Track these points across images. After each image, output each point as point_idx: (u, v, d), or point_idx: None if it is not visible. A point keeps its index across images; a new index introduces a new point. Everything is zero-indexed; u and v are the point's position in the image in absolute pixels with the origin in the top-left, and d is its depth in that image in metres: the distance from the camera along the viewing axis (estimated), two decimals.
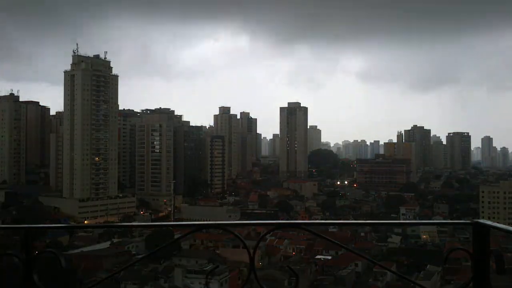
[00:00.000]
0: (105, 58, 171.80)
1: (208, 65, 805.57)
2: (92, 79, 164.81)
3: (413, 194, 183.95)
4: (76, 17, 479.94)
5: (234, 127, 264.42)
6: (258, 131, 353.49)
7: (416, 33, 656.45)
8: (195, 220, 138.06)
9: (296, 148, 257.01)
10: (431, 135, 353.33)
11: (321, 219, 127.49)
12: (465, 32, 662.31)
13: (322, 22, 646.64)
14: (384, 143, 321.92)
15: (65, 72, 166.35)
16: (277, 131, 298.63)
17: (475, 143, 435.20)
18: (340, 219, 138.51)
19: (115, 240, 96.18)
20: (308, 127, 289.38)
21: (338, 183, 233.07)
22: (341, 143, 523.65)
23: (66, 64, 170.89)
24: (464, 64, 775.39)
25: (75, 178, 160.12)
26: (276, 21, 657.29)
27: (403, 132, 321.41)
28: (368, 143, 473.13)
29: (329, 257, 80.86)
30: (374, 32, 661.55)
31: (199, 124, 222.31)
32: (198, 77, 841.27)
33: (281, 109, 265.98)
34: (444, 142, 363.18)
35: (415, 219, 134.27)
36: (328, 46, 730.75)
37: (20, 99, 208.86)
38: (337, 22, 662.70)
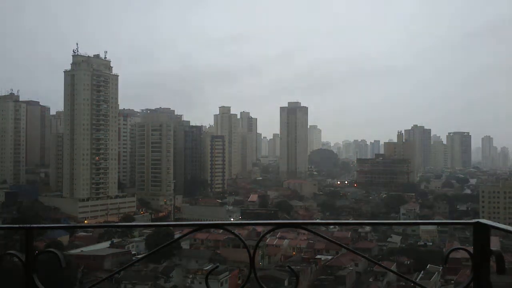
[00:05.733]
0: (105, 57, 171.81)
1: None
2: (92, 79, 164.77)
3: (413, 194, 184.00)
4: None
5: (234, 127, 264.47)
6: (258, 131, 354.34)
7: None
8: (195, 220, 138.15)
9: (296, 148, 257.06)
10: (431, 135, 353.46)
11: (321, 219, 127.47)
12: None
13: None
14: (384, 143, 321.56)
15: (65, 72, 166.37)
16: (277, 131, 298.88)
17: (475, 143, 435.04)
18: (340, 219, 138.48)
19: (115, 240, 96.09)
20: (308, 127, 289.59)
21: (338, 183, 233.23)
22: (341, 143, 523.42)
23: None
24: None
25: (75, 178, 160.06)
26: None
27: (403, 132, 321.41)
28: (368, 143, 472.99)
29: (329, 257, 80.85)
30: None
31: (199, 124, 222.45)
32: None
33: (281, 108, 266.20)
34: (445, 142, 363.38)
35: (415, 219, 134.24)
36: None
37: (20, 99, 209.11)
38: None
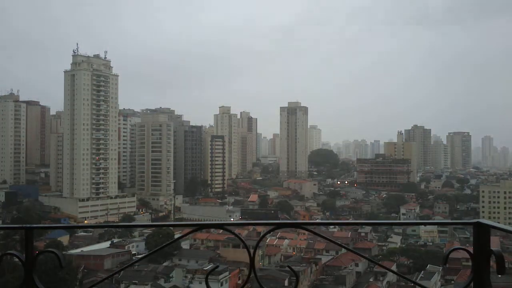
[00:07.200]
0: (105, 57, 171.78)
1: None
2: (92, 79, 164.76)
3: (413, 194, 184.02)
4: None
5: (234, 127, 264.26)
6: (258, 131, 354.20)
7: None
8: (195, 220, 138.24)
9: (296, 148, 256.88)
10: (432, 134, 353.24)
11: (321, 219, 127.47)
12: None
13: None
14: (384, 143, 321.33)
15: (65, 72, 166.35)
16: (277, 131, 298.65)
17: (475, 143, 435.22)
18: (340, 219, 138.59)
19: (115, 240, 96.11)
20: (308, 127, 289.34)
21: (338, 183, 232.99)
22: (341, 143, 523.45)
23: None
24: None
25: (75, 178, 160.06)
26: None
27: (403, 132, 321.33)
28: (368, 143, 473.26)
29: (329, 257, 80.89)
30: None
31: (199, 124, 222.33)
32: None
33: (281, 108, 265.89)
34: (445, 142, 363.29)
35: (415, 219, 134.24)
36: None
37: (20, 99, 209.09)
38: None
